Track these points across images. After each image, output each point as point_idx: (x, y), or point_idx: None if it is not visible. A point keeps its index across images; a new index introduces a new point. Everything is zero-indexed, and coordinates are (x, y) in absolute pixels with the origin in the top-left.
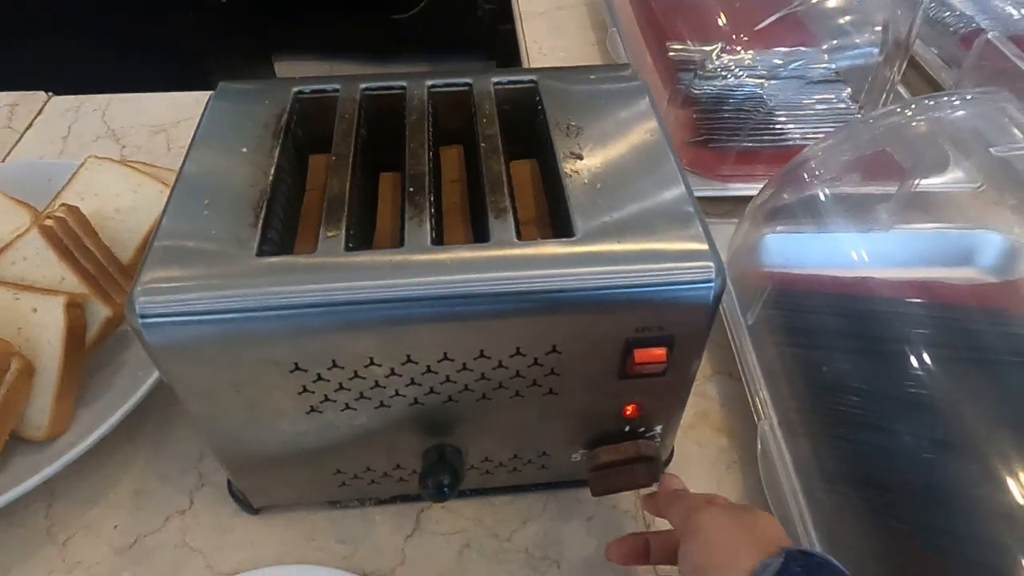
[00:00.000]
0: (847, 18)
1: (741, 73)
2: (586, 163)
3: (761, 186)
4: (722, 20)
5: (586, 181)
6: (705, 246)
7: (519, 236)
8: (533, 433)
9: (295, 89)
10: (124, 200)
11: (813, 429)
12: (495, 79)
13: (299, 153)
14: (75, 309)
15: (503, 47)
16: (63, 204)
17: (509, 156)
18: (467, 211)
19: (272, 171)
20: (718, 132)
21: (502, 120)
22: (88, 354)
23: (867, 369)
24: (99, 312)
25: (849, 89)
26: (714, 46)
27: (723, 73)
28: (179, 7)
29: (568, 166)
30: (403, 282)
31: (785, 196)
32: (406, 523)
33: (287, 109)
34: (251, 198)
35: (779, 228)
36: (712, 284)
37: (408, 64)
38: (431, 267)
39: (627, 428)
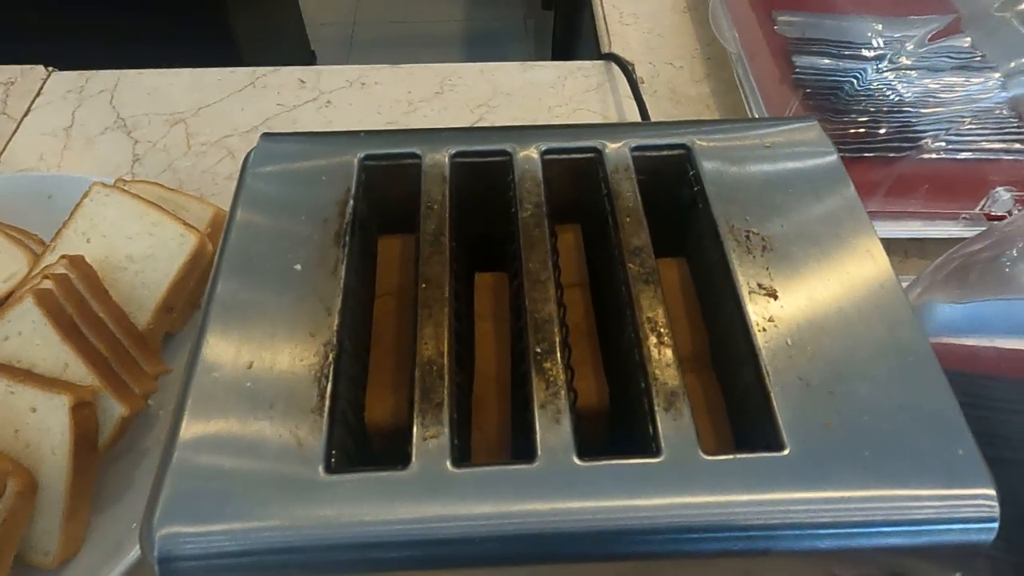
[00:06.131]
0: None
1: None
2: (783, 307)
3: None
4: None
5: (789, 342)
6: (990, 490)
7: (702, 445)
8: None
9: (361, 155)
10: (139, 245)
11: None
12: (633, 143)
13: (365, 238)
14: (84, 410)
15: (565, 6)
16: (64, 256)
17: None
18: (594, 333)
19: (339, 304)
20: (870, 143)
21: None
22: (102, 455)
23: None
24: (113, 410)
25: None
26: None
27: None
28: None
29: (759, 311)
30: (540, 509)
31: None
32: None
33: (352, 188)
34: (311, 358)
35: (954, 294)
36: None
37: (444, 11)
38: (577, 491)
39: None
